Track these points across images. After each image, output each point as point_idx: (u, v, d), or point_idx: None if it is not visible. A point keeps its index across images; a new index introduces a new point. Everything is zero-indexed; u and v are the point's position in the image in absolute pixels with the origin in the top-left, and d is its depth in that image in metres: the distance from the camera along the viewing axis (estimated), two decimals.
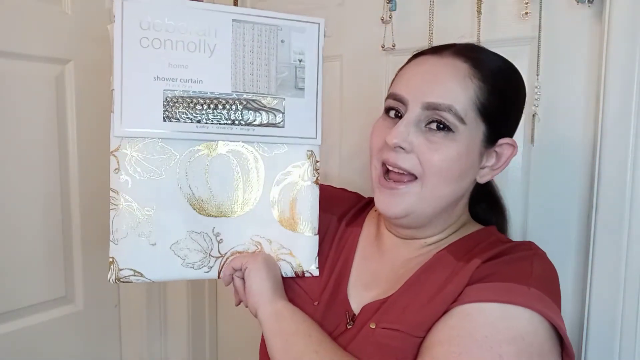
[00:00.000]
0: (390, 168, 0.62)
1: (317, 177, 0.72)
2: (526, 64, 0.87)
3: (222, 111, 0.66)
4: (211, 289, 1.37)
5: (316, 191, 0.71)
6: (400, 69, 0.67)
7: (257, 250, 0.70)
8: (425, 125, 0.61)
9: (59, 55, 0.98)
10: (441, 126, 0.60)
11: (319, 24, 0.69)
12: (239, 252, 0.70)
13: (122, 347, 1.22)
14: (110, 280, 0.64)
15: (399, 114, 0.63)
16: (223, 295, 1.39)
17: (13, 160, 0.90)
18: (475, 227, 0.69)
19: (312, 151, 0.71)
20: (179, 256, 0.67)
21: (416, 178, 0.61)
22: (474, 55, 0.62)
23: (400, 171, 0.61)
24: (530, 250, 0.61)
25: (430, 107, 0.60)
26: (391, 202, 0.63)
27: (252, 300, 0.66)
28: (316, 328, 0.62)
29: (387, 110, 0.65)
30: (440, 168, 0.60)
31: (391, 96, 0.64)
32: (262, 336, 0.66)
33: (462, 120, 0.59)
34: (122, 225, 0.64)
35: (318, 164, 0.72)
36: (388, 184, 0.63)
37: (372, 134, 0.67)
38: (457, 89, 0.60)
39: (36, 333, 1.00)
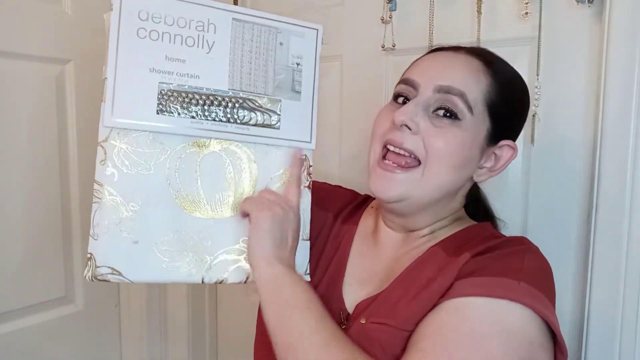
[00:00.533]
0: (392, 148, 0.62)
1: (310, 182, 0.70)
2: (526, 64, 0.87)
3: (218, 108, 0.65)
4: (211, 288, 1.37)
5: (308, 196, 0.70)
6: (414, 61, 0.67)
7: (273, 199, 0.64)
8: (433, 111, 0.61)
9: (59, 55, 0.98)
10: (448, 114, 0.60)
11: (317, 30, 0.69)
12: (227, 256, 0.67)
13: (122, 347, 1.22)
14: (87, 277, 0.61)
15: (407, 100, 0.63)
16: (223, 295, 1.39)
17: (13, 160, 0.90)
18: (470, 223, 0.69)
19: (305, 155, 0.70)
20: (162, 256, 0.63)
21: (419, 164, 0.61)
22: (488, 57, 0.65)
23: (402, 152, 0.61)
24: (522, 245, 0.61)
25: (443, 89, 0.60)
26: (386, 184, 0.62)
27: (249, 258, 0.62)
28: (317, 302, 0.59)
29: (396, 96, 0.66)
30: (444, 153, 0.60)
31: (403, 81, 0.65)
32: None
33: (470, 109, 0.60)
34: (103, 220, 0.61)
35: (311, 168, 0.70)
36: (386, 166, 0.62)
37: (376, 118, 0.66)
38: (470, 80, 0.61)
39: (36, 333, 1.00)
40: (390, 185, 0.62)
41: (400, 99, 0.65)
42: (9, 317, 0.96)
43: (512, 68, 0.67)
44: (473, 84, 0.60)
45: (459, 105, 0.60)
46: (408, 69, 0.67)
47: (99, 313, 1.14)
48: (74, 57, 1.00)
